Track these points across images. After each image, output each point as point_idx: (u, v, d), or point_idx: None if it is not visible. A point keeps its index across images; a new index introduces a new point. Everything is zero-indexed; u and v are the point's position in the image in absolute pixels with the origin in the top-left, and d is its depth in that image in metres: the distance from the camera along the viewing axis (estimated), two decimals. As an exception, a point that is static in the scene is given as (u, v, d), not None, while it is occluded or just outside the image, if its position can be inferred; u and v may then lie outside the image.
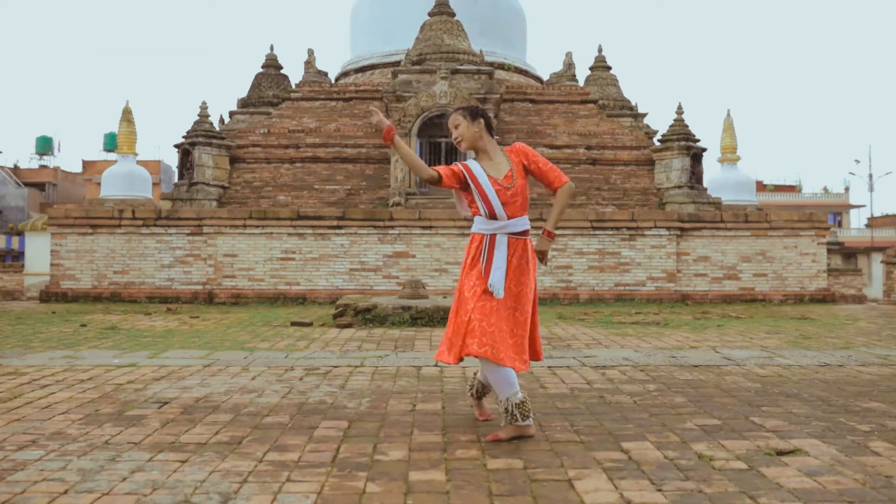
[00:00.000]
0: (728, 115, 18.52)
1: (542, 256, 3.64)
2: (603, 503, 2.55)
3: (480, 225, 3.58)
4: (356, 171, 17.47)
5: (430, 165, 15.56)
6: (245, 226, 13.81)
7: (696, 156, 17.06)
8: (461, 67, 17.61)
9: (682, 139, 16.98)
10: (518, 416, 3.35)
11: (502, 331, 3.42)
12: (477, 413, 3.84)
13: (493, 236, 3.53)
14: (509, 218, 3.54)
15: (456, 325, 3.48)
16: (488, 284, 3.45)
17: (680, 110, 17.77)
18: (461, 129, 3.64)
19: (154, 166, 42.79)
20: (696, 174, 16.97)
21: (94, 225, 13.91)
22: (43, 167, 51.02)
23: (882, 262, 17.76)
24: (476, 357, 3.39)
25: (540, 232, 3.63)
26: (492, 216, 3.54)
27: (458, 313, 3.50)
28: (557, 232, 13.79)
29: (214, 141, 17.08)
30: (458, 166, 3.62)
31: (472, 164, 3.63)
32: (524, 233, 3.59)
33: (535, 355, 3.69)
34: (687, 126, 17.41)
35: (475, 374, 3.83)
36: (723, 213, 14.75)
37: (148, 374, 5.17)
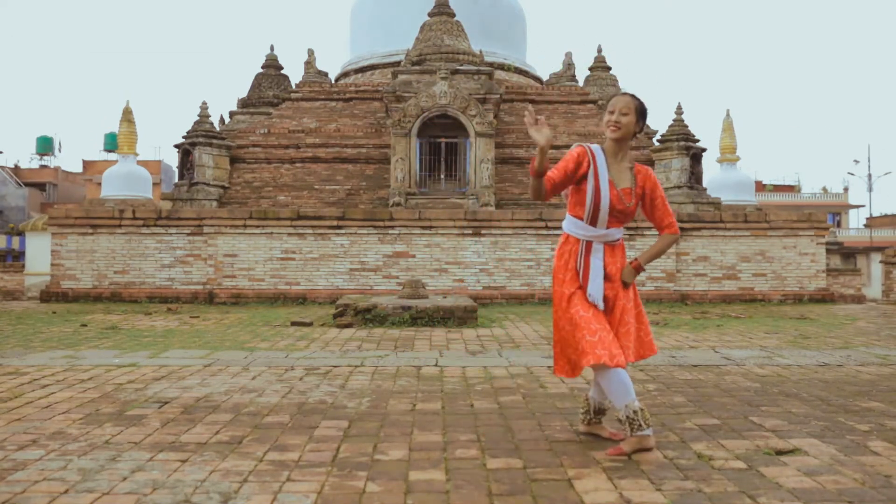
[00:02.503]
0: (727, 115, 18.51)
1: (625, 286, 3.38)
2: (602, 503, 2.55)
3: (576, 228, 3.33)
4: (356, 171, 17.48)
5: (429, 164, 15.38)
6: (245, 226, 13.81)
7: (696, 156, 17.06)
8: (461, 68, 17.62)
9: (682, 139, 16.98)
10: (641, 423, 3.13)
11: (608, 331, 3.20)
12: (606, 433, 3.44)
13: (588, 243, 3.30)
14: (608, 228, 3.30)
15: (566, 338, 3.27)
16: (587, 295, 3.25)
17: (679, 110, 17.77)
18: (628, 119, 3.29)
19: (154, 166, 42.80)
20: (695, 174, 16.98)
21: (94, 225, 13.91)
22: (43, 167, 51.06)
23: (881, 262, 17.76)
24: (592, 366, 3.17)
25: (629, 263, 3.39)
26: (592, 222, 3.28)
27: (565, 324, 3.27)
28: (557, 232, 13.80)
29: (215, 141, 17.08)
30: (582, 148, 3.29)
31: (598, 153, 3.30)
32: (619, 240, 3.39)
33: (643, 353, 3.39)
34: (686, 126, 17.41)
35: (585, 397, 3.50)
36: (722, 213, 14.75)
37: (148, 374, 5.18)
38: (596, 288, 3.25)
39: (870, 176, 48.45)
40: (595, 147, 3.34)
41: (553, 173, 3.24)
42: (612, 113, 3.31)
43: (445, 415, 3.93)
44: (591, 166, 3.27)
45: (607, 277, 3.30)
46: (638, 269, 3.37)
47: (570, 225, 3.36)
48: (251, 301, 13.44)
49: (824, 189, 56.57)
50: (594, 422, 3.48)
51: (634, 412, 3.13)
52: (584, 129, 18.19)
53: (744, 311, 11.45)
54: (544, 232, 13.75)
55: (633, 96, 3.36)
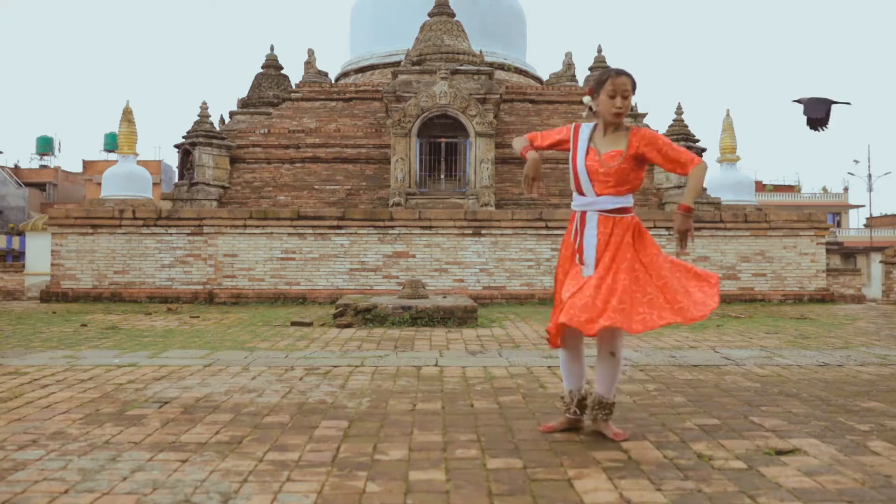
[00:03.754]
0: (727, 115, 18.50)
1: (682, 237, 3.37)
2: (602, 503, 2.55)
3: (574, 202, 3.48)
4: (356, 171, 17.48)
5: (429, 164, 15.35)
6: (245, 226, 13.81)
7: (696, 156, 17.07)
8: (461, 68, 17.62)
9: (682, 139, 16.98)
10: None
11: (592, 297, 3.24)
12: (610, 433, 3.37)
13: (583, 213, 3.41)
14: (597, 195, 3.34)
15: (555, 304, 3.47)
16: (582, 263, 3.39)
17: (679, 110, 17.77)
18: (629, 101, 3.34)
19: (154, 166, 42.82)
20: (695, 174, 16.97)
21: (94, 225, 13.91)
22: (43, 167, 51.09)
23: (881, 262, 17.77)
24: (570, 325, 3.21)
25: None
26: (578, 190, 3.41)
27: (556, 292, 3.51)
28: (558, 232, 13.79)
29: (215, 141, 17.09)
30: (566, 129, 3.49)
31: (584, 129, 3.45)
32: (620, 210, 3.34)
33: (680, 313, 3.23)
34: (686, 126, 17.42)
35: (570, 392, 3.54)
36: (722, 213, 14.75)
37: (148, 374, 5.18)
38: (589, 256, 3.38)
39: (870, 176, 48.46)
40: (584, 125, 3.47)
41: (540, 136, 3.56)
42: (613, 98, 3.32)
43: (445, 415, 3.93)
44: (572, 141, 3.45)
45: (611, 247, 3.32)
46: (687, 210, 3.37)
47: (573, 200, 3.52)
48: (251, 301, 13.44)
49: (824, 189, 56.61)
50: (583, 416, 3.58)
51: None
52: (584, 129, 18.20)
53: (744, 311, 11.45)
54: (544, 232, 13.75)
55: (628, 75, 3.36)
